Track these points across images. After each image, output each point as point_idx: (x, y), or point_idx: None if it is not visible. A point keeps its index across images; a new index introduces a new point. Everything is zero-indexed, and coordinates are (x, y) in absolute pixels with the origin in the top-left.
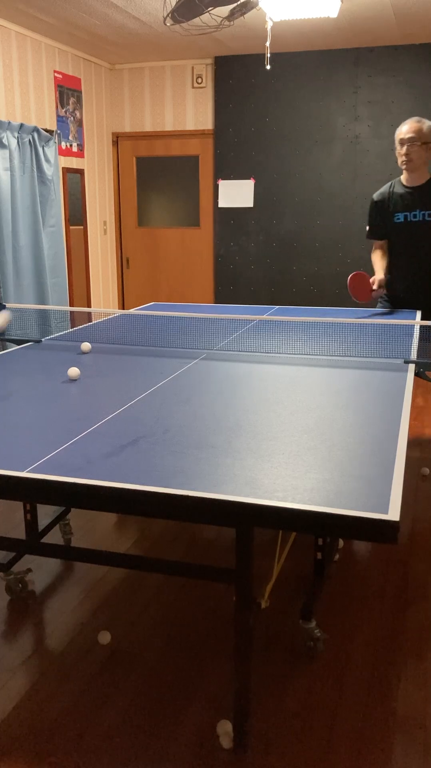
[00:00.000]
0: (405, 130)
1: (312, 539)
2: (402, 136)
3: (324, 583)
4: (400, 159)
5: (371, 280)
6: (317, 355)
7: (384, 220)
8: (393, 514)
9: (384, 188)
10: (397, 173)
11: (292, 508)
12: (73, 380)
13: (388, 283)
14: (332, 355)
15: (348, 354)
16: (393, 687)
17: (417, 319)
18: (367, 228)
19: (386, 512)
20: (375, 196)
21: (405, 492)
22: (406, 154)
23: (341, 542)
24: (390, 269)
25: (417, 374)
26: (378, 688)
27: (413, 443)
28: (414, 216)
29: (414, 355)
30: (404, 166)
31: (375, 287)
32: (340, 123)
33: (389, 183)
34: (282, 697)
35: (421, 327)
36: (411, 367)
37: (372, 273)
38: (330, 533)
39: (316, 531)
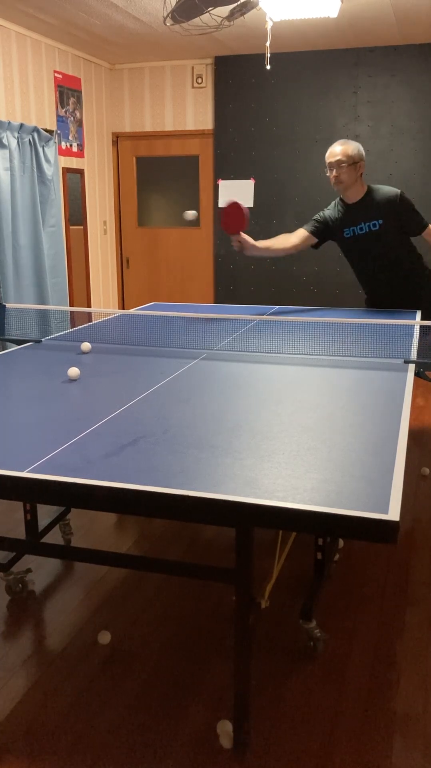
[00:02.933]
0: (330, 154)
1: (312, 539)
2: (330, 161)
3: (324, 583)
4: (332, 182)
5: (243, 235)
6: (317, 355)
7: (327, 232)
8: (393, 514)
9: (331, 208)
10: (396, 174)
11: (292, 508)
12: (73, 380)
13: (367, 300)
14: (332, 355)
15: (348, 354)
16: (393, 687)
17: (417, 319)
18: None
19: (386, 512)
20: (324, 212)
21: (405, 492)
22: (336, 176)
23: (341, 542)
24: (364, 286)
25: (417, 374)
26: (378, 688)
27: (413, 443)
28: (360, 229)
29: (414, 355)
30: (337, 188)
31: (240, 239)
32: (340, 123)
33: (333, 203)
34: (282, 697)
35: (421, 327)
36: (411, 367)
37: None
38: (331, 533)
39: (316, 531)
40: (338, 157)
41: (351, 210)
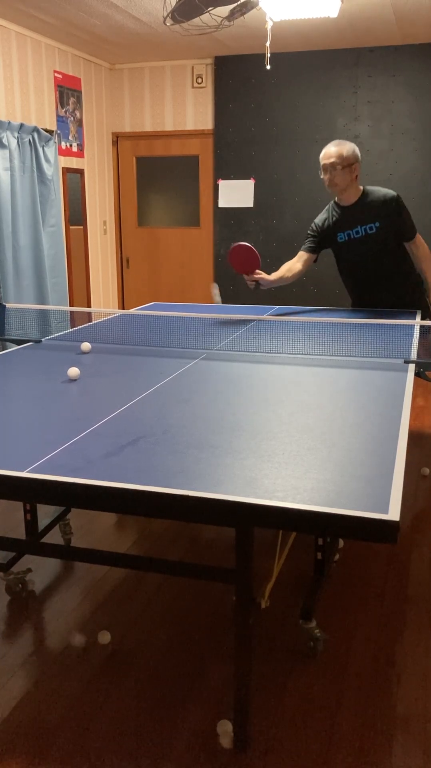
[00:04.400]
0: (325, 156)
1: (312, 539)
2: (324, 162)
3: (324, 583)
4: (326, 184)
5: (257, 271)
6: (317, 355)
7: (323, 242)
8: (393, 514)
9: (324, 213)
10: (396, 174)
11: (292, 508)
12: (73, 380)
13: (353, 304)
14: (332, 355)
15: (348, 354)
16: (393, 687)
17: (417, 319)
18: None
19: (386, 512)
20: (316, 220)
21: (405, 492)
22: (330, 179)
23: (341, 542)
24: (351, 290)
25: (417, 374)
26: (378, 688)
27: (413, 443)
28: (356, 233)
29: (414, 355)
30: (331, 191)
31: (255, 277)
32: (340, 123)
33: (326, 207)
34: (282, 697)
35: (421, 327)
36: (411, 367)
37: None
38: (331, 533)
39: (316, 531)
40: (332, 159)
41: (346, 213)
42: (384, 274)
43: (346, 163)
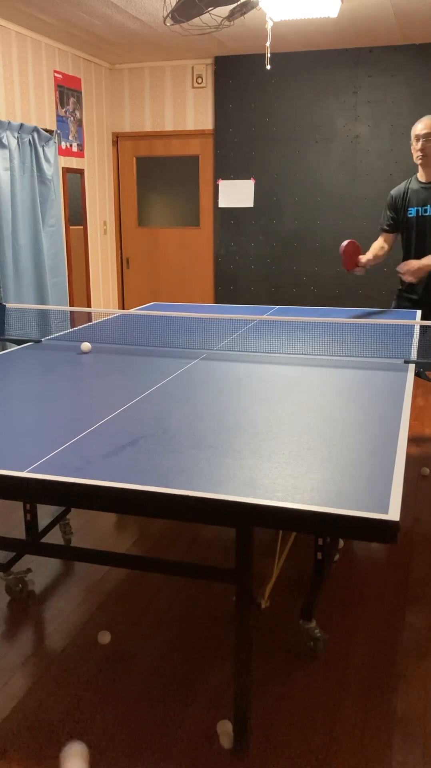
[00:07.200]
0: (420, 126)
1: (312, 539)
2: (417, 132)
3: (324, 583)
4: (415, 155)
5: (361, 257)
6: (317, 355)
7: (397, 215)
8: (393, 514)
9: (402, 184)
10: (396, 174)
11: (292, 508)
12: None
13: (405, 283)
14: (332, 355)
15: (348, 354)
16: (393, 687)
17: (417, 319)
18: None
19: (386, 512)
20: (392, 191)
21: (405, 492)
22: (421, 149)
23: (341, 542)
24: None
25: (417, 374)
26: (378, 688)
27: (413, 443)
28: (425, 211)
29: (414, 355)
30: (419, 162)
31: (361, 263)
32: (340, 123)
33: (407, 179)
34: (282, 697)
35: (421, 327)
36: (411, 367)
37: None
38: (330, 533)
39: (316, 531)
40: (427, 130)
41: (424, 189)
42: None
43: None
